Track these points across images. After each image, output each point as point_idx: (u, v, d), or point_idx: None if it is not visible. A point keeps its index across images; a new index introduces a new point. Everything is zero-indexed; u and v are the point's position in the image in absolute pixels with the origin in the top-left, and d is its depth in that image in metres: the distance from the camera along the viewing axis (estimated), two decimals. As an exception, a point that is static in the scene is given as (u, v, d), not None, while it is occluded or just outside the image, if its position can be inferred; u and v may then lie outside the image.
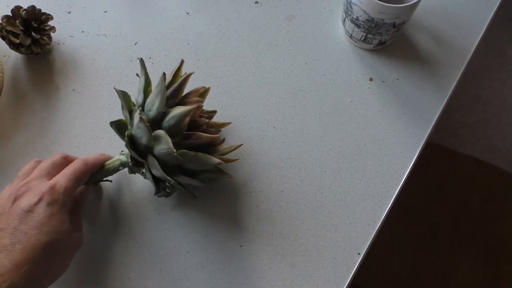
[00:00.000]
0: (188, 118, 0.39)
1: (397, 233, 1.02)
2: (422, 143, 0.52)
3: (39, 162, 0.43)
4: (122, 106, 0.42)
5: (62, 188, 0.38)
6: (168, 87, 0.42)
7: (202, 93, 0.46)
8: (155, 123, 0.41)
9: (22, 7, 0.52)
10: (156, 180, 0.42)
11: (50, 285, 0.38)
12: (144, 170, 0.43)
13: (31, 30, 0.52)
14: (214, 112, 0.49)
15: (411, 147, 0.51)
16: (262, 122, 0.52)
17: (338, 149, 0.51)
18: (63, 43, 0.57)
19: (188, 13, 0.59)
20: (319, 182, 0.50)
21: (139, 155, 0.41)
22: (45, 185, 0.38)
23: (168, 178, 0.40)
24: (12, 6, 0.52)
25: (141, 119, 0.38)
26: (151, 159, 0.40)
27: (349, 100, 0.54)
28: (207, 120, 0.44)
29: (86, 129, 0.52)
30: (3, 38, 0.52)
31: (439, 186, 1.06)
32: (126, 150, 0.44)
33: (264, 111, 0.53)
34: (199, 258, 0.46)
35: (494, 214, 1.04)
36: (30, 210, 0.36)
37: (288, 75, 0.55)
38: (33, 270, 0.34)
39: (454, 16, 0.58)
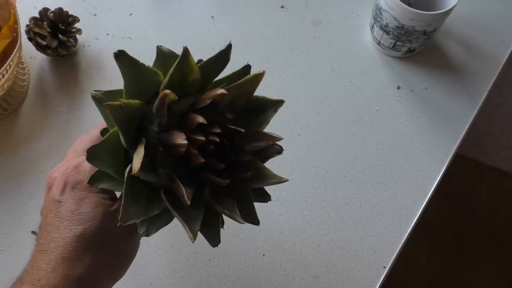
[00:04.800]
0: None
1: (421, 244, 1.00)
2: (451, 155, 0.50)
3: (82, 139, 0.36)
4: None
5: (88, 165, 0.31)
6: None
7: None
8: None
9: (49, 9, 0.52)
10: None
11: (115, 280, 0.33)
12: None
13: (58, 32, 0.52)
14: None
15: (439, 158, 0.50)
16: (286, 129, 0.52)
17: (364, 159, 0.50)
18: (88, 45, 0.57)
19: (213, 17, 0.59)
20: (344, 192, 0.49)
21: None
22: (70, 165, 0.32)
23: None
24: (40, 8, 0.52)
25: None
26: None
27: (376, 109, 0.52)
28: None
29: (110, 132, 0.52)
30: (30, 40, 0.52)
31: (464, 197, 1.04)
32: None
33: (288, 118, 0.52)
34: (221, 267, 0.45)
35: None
36: (58, 200, 0.31)
37: (313, 82, 0.54)
38: (73, 267, 0.29)
39: (486, 24, 0.57)
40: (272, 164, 0.49)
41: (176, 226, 0.47)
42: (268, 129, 0.51)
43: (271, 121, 0.52)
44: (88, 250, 0.30)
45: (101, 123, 0.34)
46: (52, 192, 0.32)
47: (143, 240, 0.47)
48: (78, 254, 0.29)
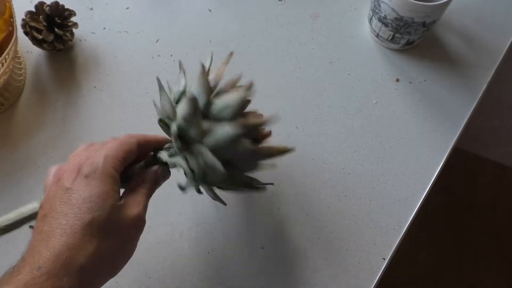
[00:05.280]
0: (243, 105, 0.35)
1: (420, 239, 1.00)
2: (451, 147, 0.50)
3: (90, 145, 0.37)
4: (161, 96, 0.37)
5: (101, 157, 0.32)
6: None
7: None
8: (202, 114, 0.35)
9: (45, 3, 0.52)
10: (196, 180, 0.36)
11: (110, 276, 0.32)
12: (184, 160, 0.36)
13: (54, 26, 0.52)
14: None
15: (438, 150, 0.50)
16: (284, 122, 0.51)
17: (363, 151, 0.50)
18: (85, 40, 0.57)
19: (210, 10, 0.58)
20: (343, 184, 0.48)
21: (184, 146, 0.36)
22: (83, 156, 0.33)
23: (219, 164, 0.33)
24: (36, 2, 0.52)
25: (194, 108, 0.34)
26: (198, 148, 0.34)
27: (375, 101, 0.52)
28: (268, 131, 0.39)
29: (107, 127, 0.52)
30: (27, 34, 0.52)
31: (464, 191, 1.03)
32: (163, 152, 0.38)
33: (286, 111, 0.52)
34: (220, 259, 0.45)
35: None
36: (69, 188, 0.31)
37: (312, 75, 0.54)
38: (75, 256, 0.28)
39: (485, 15, 0.56)
40: (271, 157, 0.49)
41: (174, 218, 0.47)
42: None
43: (270, 113, 0.52)
44: (93, 239, 0.29)
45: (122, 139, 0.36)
46: (62, 181, 0.32)
47: (142, 233, 0.46)
48: (83, 242, 0.29)
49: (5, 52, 0.45)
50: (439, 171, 0.49)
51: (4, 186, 0.49)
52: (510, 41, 0.55)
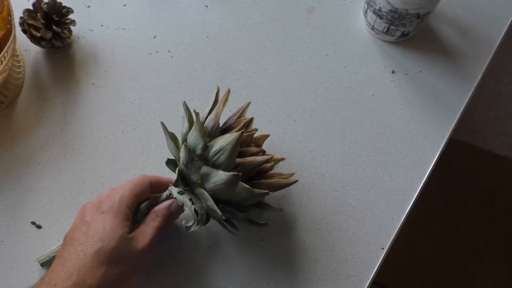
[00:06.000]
0: (237, 149, 0.37)
1: (419, 230, 1.01)
2: (447, 137, 0.51)
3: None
4: (169, 145, 0.41)
5: (118, 196, 0.39)
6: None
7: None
8: (201, 158, 0.39)
9: (43, 1, 0.52)
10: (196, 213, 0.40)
11: None
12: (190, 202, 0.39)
13: (52, 23, 0.52)
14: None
15: (435, 140, 0.50)
16: (282, 115, 0.52)
17: (360, 143, 0.50)
18: (83, 37, 0.57)
19: (207, 6, 0.59)
20: (341, 176, 0.49)
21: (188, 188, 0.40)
22: (105, 194, 0.39)
23: (218, 211, 0.36)
24: (33, 0, 0.52)
25: (190, 158, 0.37)
26: (200, 191, 0.38)
27: (371, 93, 0.53)
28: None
29: (107, 123, 0.52)
30: (25, 32, 0.52)
31: (462, 182, 1.04)
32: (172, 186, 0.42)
33: (284, 104, 0.53)
34: (221, 252, 0.46)
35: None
36: (88, 221, 0.37)
37: (308, 68, 0.54)
38: (85, 278, 0.33)
39: (479, 7, 0.57)
40: (269, 150, 0.50)
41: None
42: (265, 115, 0.52)
43: (268, 106, 0.53)
44: (102, 265, 0.34)
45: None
46: (84, 216, 0.38)
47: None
48: (93, 266, 0.34)
49: (4, 50, 0.45)
50: (435, 161, 0.49)
51: (5, 183, 0.49)
52: (504, 32, 0.56)
